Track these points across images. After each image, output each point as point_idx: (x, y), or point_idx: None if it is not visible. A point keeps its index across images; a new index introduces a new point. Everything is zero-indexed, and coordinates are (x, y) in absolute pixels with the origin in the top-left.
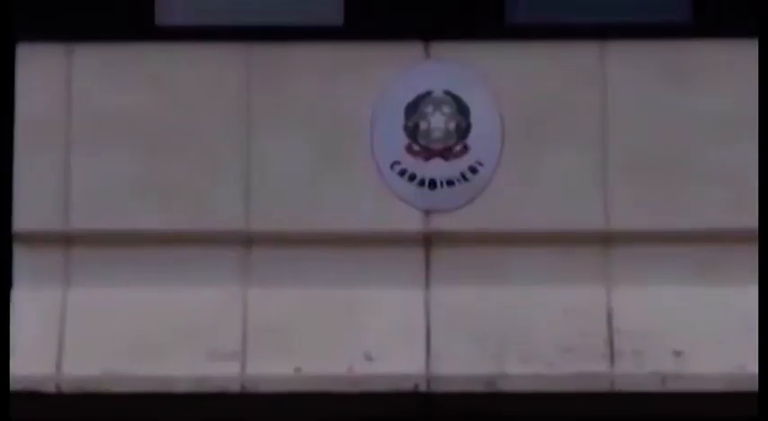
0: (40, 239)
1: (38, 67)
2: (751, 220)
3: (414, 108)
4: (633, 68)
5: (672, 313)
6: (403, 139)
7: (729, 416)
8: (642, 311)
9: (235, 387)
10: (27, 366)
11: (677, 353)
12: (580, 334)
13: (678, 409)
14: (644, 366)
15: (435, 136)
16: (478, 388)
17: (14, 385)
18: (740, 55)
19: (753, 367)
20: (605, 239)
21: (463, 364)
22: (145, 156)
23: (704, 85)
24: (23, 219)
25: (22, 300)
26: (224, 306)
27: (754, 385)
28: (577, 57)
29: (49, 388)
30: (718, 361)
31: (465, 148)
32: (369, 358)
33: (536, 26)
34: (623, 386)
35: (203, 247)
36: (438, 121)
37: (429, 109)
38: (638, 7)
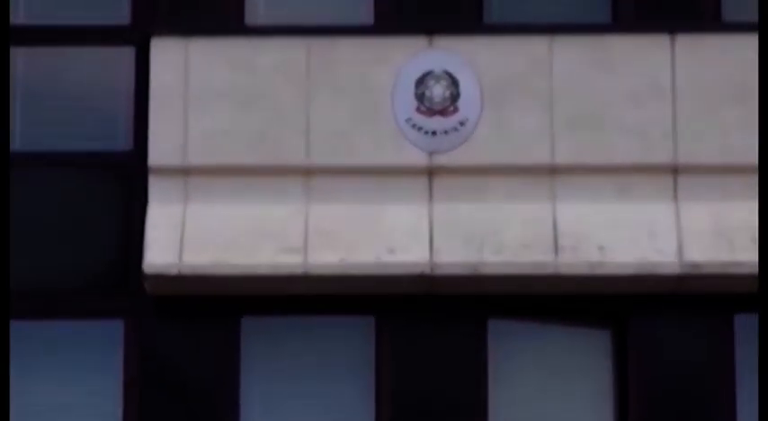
0: (168, 171)
1: (165, 54)
2: (653, 157)
3: (421, 82)
4: (572, 55)
5: (598, 221)
6: (413, 103)
7: (637, 291)
8: (577, 220)
9: (299, 271)
10: (158, 257)
11: (601, 248)
12: (535, 235)
13: (602, 287)
14: (578, 257)
15: (436, 101)
16: (466, 271)
17: (149, 269)
18: (650, 46)
19: (654, 257)
20: (552, 171)
21: (456, 256)
22: (239, 113)
23: (623, 67)
24: (156, 156)
25: (155, 213)
26: (292, 217)
27: (655, 269)
28: (534, 46)
29: (173, 271)
30: (629, 253)
31: (456, 109)
32: (391, 251)
33: (505, 25)
34: (564, 270)
35: (279, 176)
36: (438, 91)
37: (431, 82)
38: (577, 11)
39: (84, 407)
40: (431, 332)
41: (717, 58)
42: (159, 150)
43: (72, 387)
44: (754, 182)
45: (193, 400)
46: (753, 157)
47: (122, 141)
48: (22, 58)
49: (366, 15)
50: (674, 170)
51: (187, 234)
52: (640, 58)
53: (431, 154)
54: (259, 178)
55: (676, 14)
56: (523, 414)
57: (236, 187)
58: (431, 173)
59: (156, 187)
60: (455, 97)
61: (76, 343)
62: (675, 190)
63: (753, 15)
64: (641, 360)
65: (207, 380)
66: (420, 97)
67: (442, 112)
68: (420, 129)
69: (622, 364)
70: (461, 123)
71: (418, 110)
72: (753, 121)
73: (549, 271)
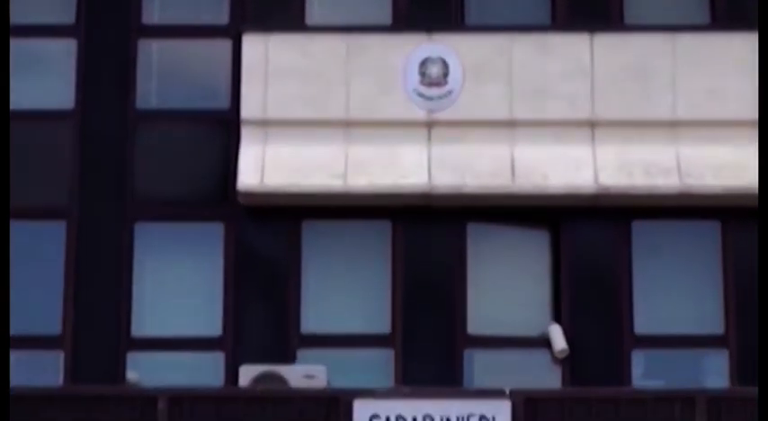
0: (253, 122)
1: (251, 45)
2: (578, 115)
3: (423, 64)
4: (525, 46)
5: (541, 157)
6: (417, 78)
7: (566, 205)
8: (528, 157)
9: (340, 190)
10: (247, 179)
11: (544, 175)
12: (499, 167)
13: (543, 202)
14: (528, 181)
15: (433, 77)
16: (453, 191)
17: (241, 187)
18: (576, 40)
19: (577, 182)
20: (511, 125)
21: (446, 180)
22: (300, 83)
23: (558, 55)
24: (245, 113)
25: (246, 150)
26: (336, 154)
27: (578, 190)
28: (499, 40)
29: (257, 189)
30: (562, 179)
31: (446, 82)
32: (403, 177)
33: (480, 25)
34: (518, 190)
35: (327, 126)
36: (434, 70)
37: (430, 64)
38: (528, 16)
39: (194, 285)
40: (429, 232)
41: (621, 48)
42: (247, 109)
43: (185, 270)
44: (645, 130)
45: (269, 278)
46: (648, 114)
47: (224, 103)
48: (155, 48)
49: (386, 18)
50: (592, 124)
51: (266, 164)
52: (570, 49)
53: (429, 112)
54: (314, 127)
55: (595, 19)
56: (489, 289)
57: (298, 133)
58: (429, 125)
59: (245, 133)
60: (446, 75)
61: (191, 239)
62: (593, 137)
63: (647, 19)
64: (569, 253)
65: (278, 263)
66: (422, 74)
67: (437, 85)
68: (422, 95)
69: (556, 256)
70: (450, 92)
71: (421, 82)
72: (648, 92)
73: (508, 191)
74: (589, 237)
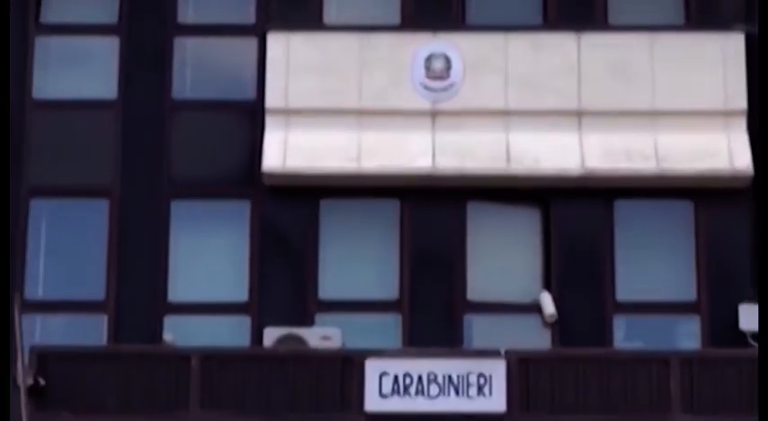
0: (276, 111)
1: (275, 42)
2: (567, 105)
3: (428, 59)
4: (519, 44)
5: (534, 142)
6: (423, 72)
7: (556, 186)
8: (521, 142)
9: (354, 172)
10: (271, 162)
11: (536, 159)
12: (496, 151)
13: (535, 183)
14: (521, 164)
15: (437, 71)
16: (454, 173)
17: (266, 169)
18: (565, 39)
19: (566, 165)
20: (506, 114)
21: (448, 163)
22: (319, 77)
23: (549, 51)
24: (270, 102)
25: (270, 136)
26: (350, 140)
27: (567, 173)
28: (496, 39)
29: (280, 170)
30: (552, 163)
31: (449, 76)
32: (410, 160)
33: (479, 25)
34: (512, 172)
35: (342, 115)
36: (438, 65)
37: (434, 60)
38: (523, 17)
39: (223, 256)
40: (432, 210)
41: (605, 46)
42: (271, 99)
43: (215, 243)
44: (626, 119)
45: (290, 250)
46: (628, 105)
47: (250, 94)
48: (189, 45)
49: (395, 18)
50: (579, 113)
51: (288, 148)
52: (559, 46)
53: (433, 103)
54: (330, 116)
55: (581, 20)
56: (487, 260)
57: (316, 121)
58: (433, 114)
59: (269, 121)
60: (448, 69)
61: (221, 215)
62: (580, 125)
63: (628, 20)
64: (558, 229)
65: (298, 237)
66: (427, 68)
67: (440, 78)
68: (427, 88)
69: (546, 231)
70: (452, 85)
71: (426, 76)
72: (629, 85)
73: (504, 173)
74: (576, 214)
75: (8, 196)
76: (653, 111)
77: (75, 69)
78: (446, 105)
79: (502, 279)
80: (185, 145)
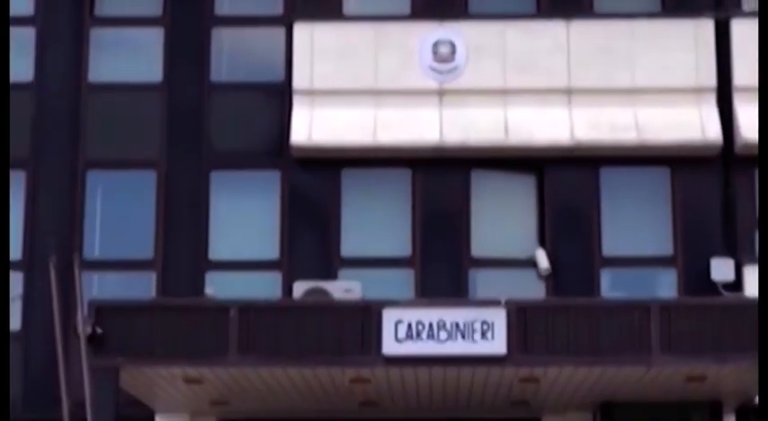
0: (302, 92)
1: (301, 31)
2: (557, 84)
3: (435, 44)
4: (516, 30)
5: (528, 116)
6: (431, 56)
7: (549, 155)
8: (518, 117)
9: (371, 144)
10: (298, 135)
11: (530, 131)
12: (495, 124)
13: (531, 152)
14: (517, 136)
15: (443, 55)
16: (459, 145)
17: (293, 142)
18: (556, 25)
19: (557, 136)
20: (504, 92)
21: (454, 136)
22: (339, 61)
23: (541, 36)
24: (296, 83)
25: (297, 113)
26: (366, 116)
27: (558, 143)
28: (495, 26)
29: (306, 143)
30: (545, 134)
31: (454, 59)
32: (420, 134)
33: (480, 14)
34: (510, 143)
35: (360, 95)
36: (444, 50)
37: (441, 45)
38: (517, 6)
39: (257, 220)
40: (440, 178)
41: (591, 31)
42: (298, 81)
43: (250, 208)
44: (611, 96)
45: (315, 213)
46: (612, 83)
47: (279, 76)
48: (225, 34)
49: (405, 9)
50: (569, 91)
51: (313, 124)
52: (551, 32)
53: (440, 83)
54: (350, 95)
55: (570, 8)
56: (488, 221)
57: (337, 100)
58: (440, 93)
59: (296, 100)
60: (453, 53)
61: (254, 183)
62: (569, 102)
63: (611, 8)
64: (550, 193)
65: (322, 202)
66: (434, 53)
67: (446, 61)
68: (435, 70)
69: (541, 195)
70: (456, 67)
71: (433, 59)
72: (613, 65)
73: (503, 144)
74: (567, 180)
75: (8, 196)
76: (634, 89)
77: (125, 56)
78: (451, 85)
79: (502, 237)
80: (222, 122)
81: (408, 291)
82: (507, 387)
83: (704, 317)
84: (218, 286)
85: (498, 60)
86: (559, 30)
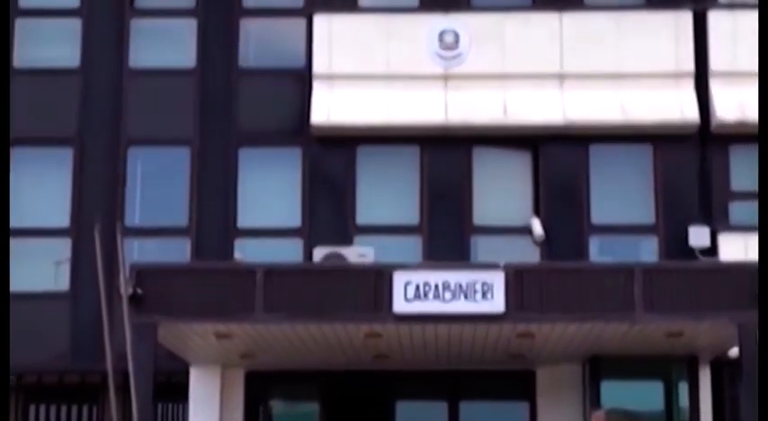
0: (321, 76)
1: (320, 21)
2: (551, 69)
3: (441, 34)
4: (514, 21)
5: (525, 98)
6: (437, 43)
7: (544, 134)
8: (516, 98)
9: (384, 124)
10: (318, 116)
11: (526, 111)
12: (494, 105)
13: (527, 131)
14: (516, 116)
15: (448, 43)
16: (461, 124)
17: (313, 122)
18: (549, 18)
19: (550, 116)
20: (503, 77)
21: (458, 116)
22: (356, 48)
23: (536, 26)
24: (316, 69)
25: (317, 95)
26: (379, 97)
27: (550, 122)
28: (494, 17)
29: (325, 123)
30: (540, 114)
31: (458, 46)
32: (427, 114)
33: (480, 6)
34: (509, 123)
35: (373, 79)
36: (449, 38)
37: (446, 34)
38: (517, 0)
39: (281, 191)
40: (445, 154)
41: (582, 22)
42: (318, 66)
43: (274, 181)
44: (599, 80)
45: (333, 186)
46: (601, 68)
47: (301, 62)
48: (252, 24)
49: (414, 1)
50: (561, 76)
51: (331, 106)
52: (545, 23)
53: (445, 68)
54: (365, 79)
55: (563, 1)
56: (489, 193)
57: (354, 83)
58: (446, 78)
59: (316, 84)
60: (457, 41)
61: (278, 159)
62: (562, 85)
63: (600, 2)
64: (545, 168)
65: (340, 176)
66: (440, 41)
67: (451, 49)
68: (440, 56)
69: (536, 169)
70: (460, 54)
71: (439, 47)
72: (601, 53)
73: (502, 123)
74: (559, 156)
75: (8, 191)
76: (620, 74)
77: (162, 44)
78: (455, 70)
79: (500, 208)
80: (250, 104)
81: (416, 256)
82: (505, 342)
83: (682, 280)
84: (245, 251)
85: (498, 48)
86: (553, 20)
